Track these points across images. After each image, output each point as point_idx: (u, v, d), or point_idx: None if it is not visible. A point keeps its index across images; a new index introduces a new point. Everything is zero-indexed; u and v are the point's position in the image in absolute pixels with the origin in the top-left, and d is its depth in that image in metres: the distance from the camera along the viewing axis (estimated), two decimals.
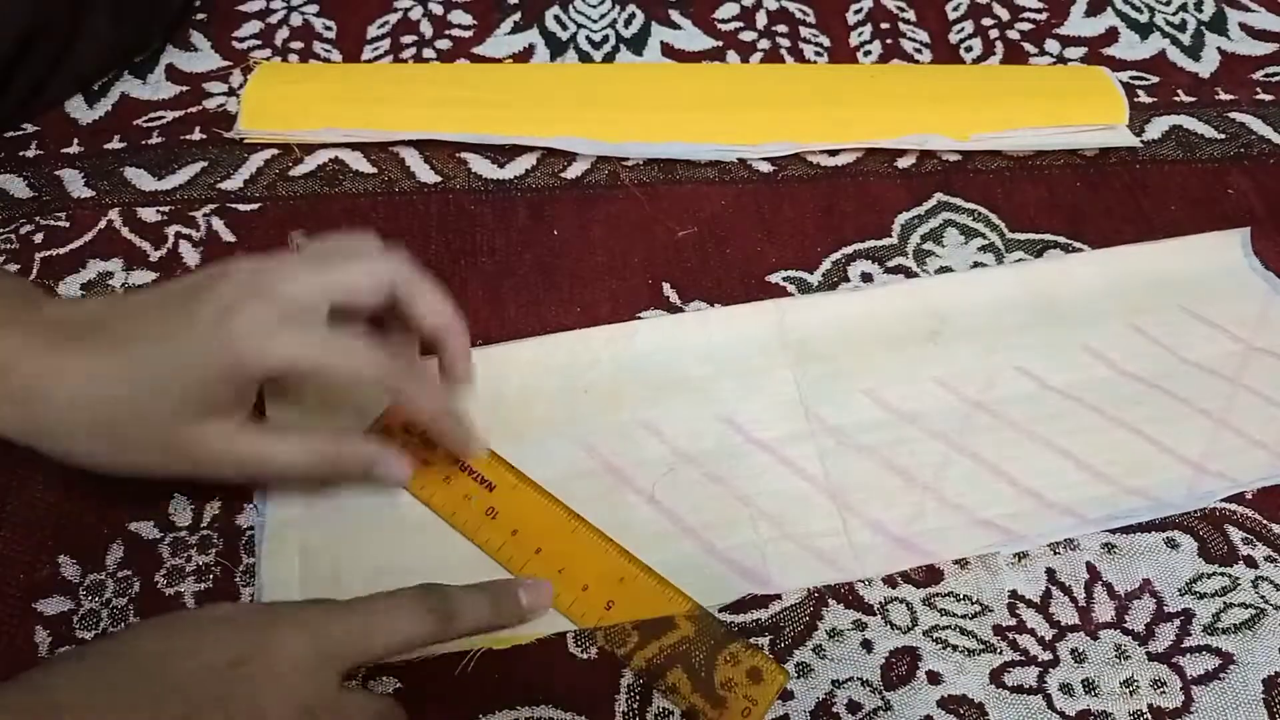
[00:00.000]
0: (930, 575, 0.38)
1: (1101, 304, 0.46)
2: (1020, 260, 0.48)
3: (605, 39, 0.59)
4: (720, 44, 0.59)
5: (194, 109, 0.54)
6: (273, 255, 0.35)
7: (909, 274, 0.48)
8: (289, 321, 0.33)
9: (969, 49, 0.59)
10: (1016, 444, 0.42)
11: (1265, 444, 0.42)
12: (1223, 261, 0.48)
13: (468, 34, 0.59)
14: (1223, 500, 0.40)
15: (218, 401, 0.34)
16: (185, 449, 0.34)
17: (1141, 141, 0.53)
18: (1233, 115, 0.55)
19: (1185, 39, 0.59)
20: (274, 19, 0.59)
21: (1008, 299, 0.46)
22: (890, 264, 0.48)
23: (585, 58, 0.58)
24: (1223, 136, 0.54)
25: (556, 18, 0.60)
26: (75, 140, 0.52)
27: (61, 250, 0.47)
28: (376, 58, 0.57)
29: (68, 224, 0.48)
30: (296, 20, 0.59)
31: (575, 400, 0.43)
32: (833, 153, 0.53)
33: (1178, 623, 0.37)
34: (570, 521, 0.39)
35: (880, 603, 0.38)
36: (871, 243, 0.49)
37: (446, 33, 0.59)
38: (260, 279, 0.34)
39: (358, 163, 0.51)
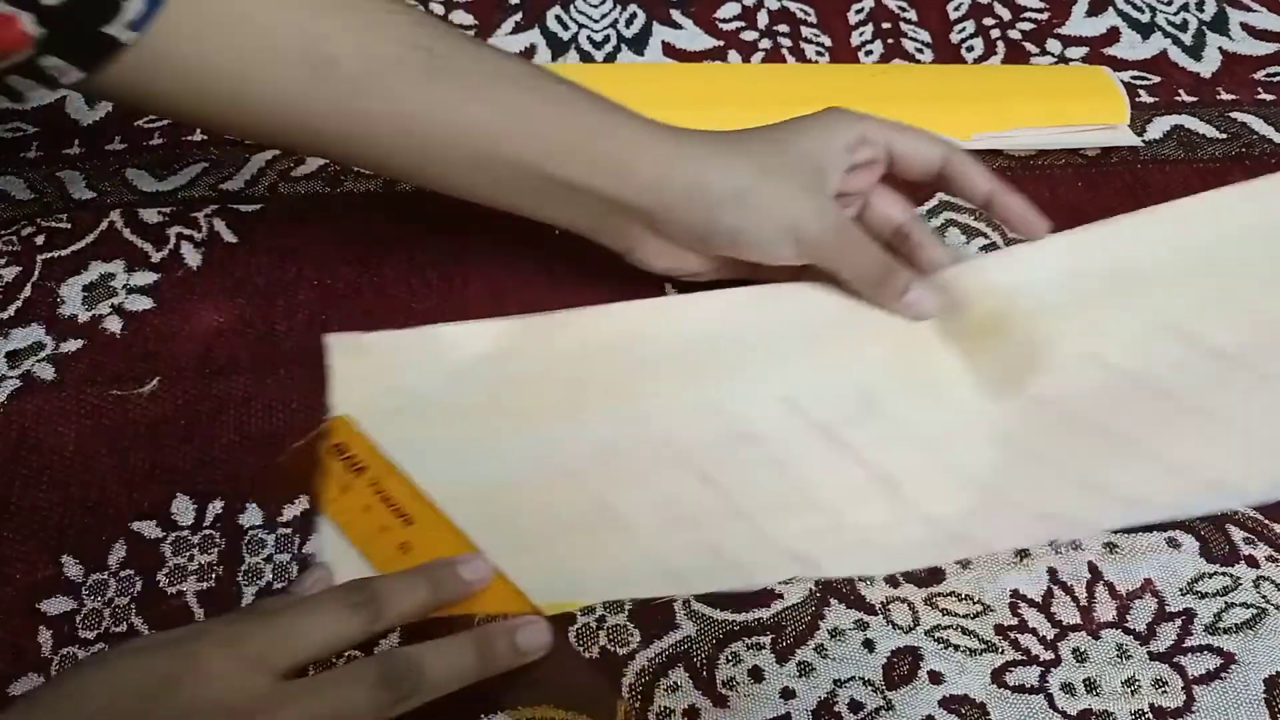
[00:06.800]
0: (932, 574, 0.38)
1: (1179, 271, 0.43)
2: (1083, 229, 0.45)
3: (606, 39, 0.59)
4: (721, 44, 0.59)
5: None
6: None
7: None
8: None
9: (970, 49, 0.59)
10: (1084, 439, 0.40)
11: None
12: None
13: (468, 34, 0.59)
14: None
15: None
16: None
17: (1143, 141, 0.53)
18: (1234, 115, 0.55)
19: (1187, 39, 0.59)
20: None
21: (1082, 270, 0.44)
22: None
23: (586, 58, 0.58)
24: (1224, 136, 0.54)
25: (558, 18, 0.60)
26: (76, 141, 0.52)
27: (63, 252, 0.47)
28: None
29: (69, 225, 0.48)
30: None
31: (628, 373, 0.42)
32: None
33: (1179, 622, 0.37)
34: None
35: (882, 602, 0.38)
36: None
37: None
38: None
39: None
